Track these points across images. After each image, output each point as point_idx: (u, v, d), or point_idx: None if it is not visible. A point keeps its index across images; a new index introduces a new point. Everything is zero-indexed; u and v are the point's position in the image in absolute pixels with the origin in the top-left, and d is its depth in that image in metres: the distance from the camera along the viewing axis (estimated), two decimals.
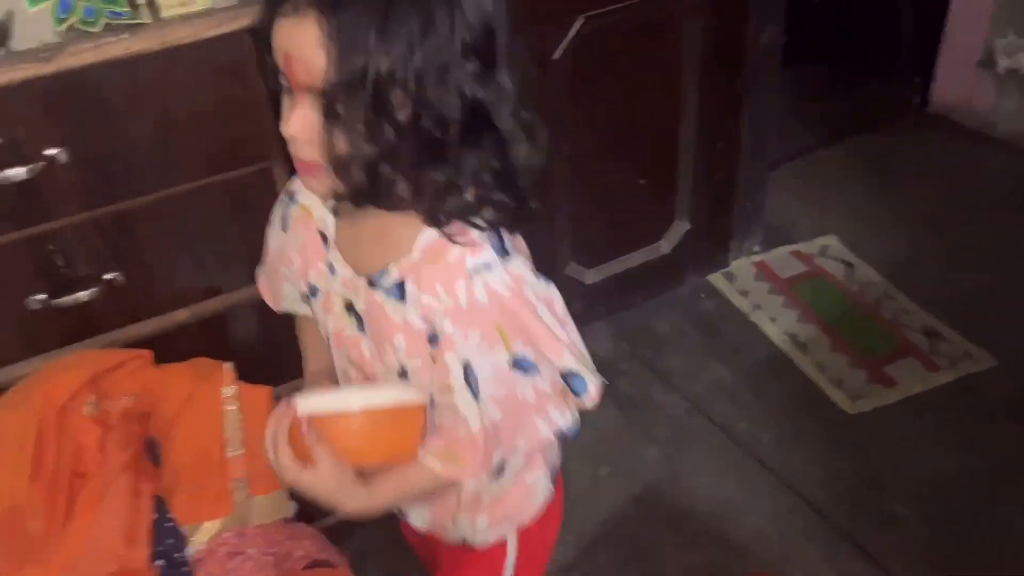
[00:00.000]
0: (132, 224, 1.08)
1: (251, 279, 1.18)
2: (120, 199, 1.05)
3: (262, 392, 1.13)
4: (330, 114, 0.70)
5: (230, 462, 1.10)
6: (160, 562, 1.03)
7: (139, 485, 1.03)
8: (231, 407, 1.11)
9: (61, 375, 1.06)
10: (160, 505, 1.05)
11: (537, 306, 0.80)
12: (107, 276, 1.08)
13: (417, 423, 0.83)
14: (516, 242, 0.84)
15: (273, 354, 1.23)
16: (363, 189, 0.74)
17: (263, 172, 1.15)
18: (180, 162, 1.07)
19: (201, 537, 1.08)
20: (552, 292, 0.83)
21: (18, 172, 0.96)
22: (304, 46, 0.68)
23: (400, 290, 0.81)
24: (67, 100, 0.97)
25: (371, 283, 0.82)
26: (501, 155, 0.76)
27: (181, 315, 1.16)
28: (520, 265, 0.81)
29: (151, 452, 1.07)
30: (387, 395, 0.83)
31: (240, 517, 1.12)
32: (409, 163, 0.74)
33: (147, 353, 1.11)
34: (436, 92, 0.71)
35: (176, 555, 1.05)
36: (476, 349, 0.79)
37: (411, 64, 0.69)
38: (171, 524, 1.06)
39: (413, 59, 0.69)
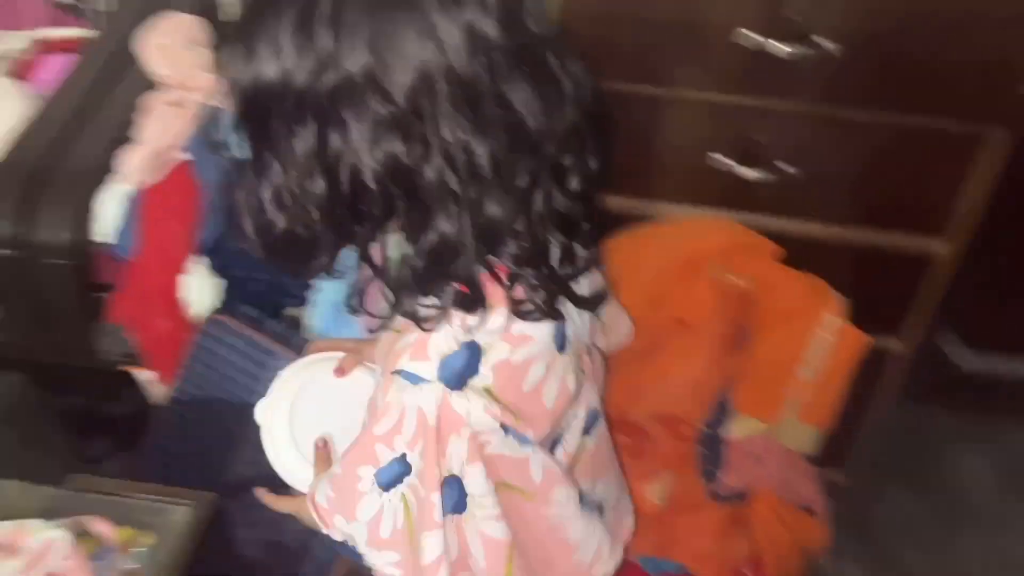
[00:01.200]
0: (841, 134, 1.10)
1: (913, 230, 1.14)
2: (846, 105, 1.07)
3: (859, 339, 1.13)
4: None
5: (797, 380, 1.13)
6: (706, 429, 1.12)
7: (722, 357, 1.11)
8: (825, 335, 1.12)
9: (710, 232, 1.16)
10: (726, 384, 1.13)
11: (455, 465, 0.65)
12: (785, 167, 1.13)
13: None
14: (512, 378, 0.66)
15: (892, 310, 1.21)
16: (249, 238, 0.64)
17: (975, 137, 1.08)
18: (938, 90, 1.04)
19: (739, 427, 1.15)
20: (526, 463, 0.68)
21: (783, 49, 1.02)
22: None
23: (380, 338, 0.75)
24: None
25: None
26: (434, 235, 0.60)
27: (817, 230, 1.18)
28: (473, 407, 0.64)
29: (740, 335, 1.14)
30: None
31: (775, 430, 1.16)
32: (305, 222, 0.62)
33: (778, 249, 1.16)
34: (325, 133, 0.58)
35: (718, 429, 1.13)
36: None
37: (291, 89, 0.57)
38: (725, 403, 1.13)
39: (293, 82, 0.57)
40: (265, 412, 0.89)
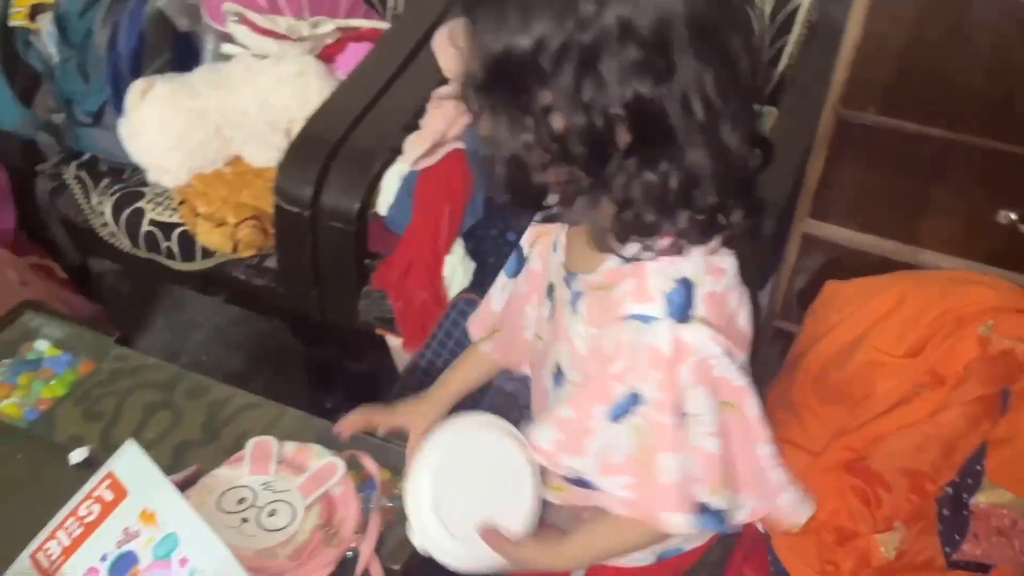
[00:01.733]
0: None
1: None
2: None
3: None
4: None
5: None
6: (950, 490, 1.07)
7: (980, 419, 1.06)
8: None
9: (981, 288, 1.11)
10: (981, 450, 1.08)
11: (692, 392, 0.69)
12: None
13: None
14: (719, 307, 0.71)
15: None
16: (504, 189, 0.69)
17: None
18: None
19: (988, 496, 1.08)
20: (745, 392, 0.71)
21: None
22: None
23: (576, 302, 0.77)
24: None
25: (566, 280, 0.79)
26: (677, 165, 0.65)
27: None
28: (700, 336, 0.69)
29: (1002, 400, 1.08)
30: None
31: None
32: (556, 167, 0.67)
33: None
34: (581, 82, 0.62)
35: (965, 494, 1.07)
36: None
37: (547, 49, 0.62)
38: (979, 468, 1.08)
39: (549, 43, 0.62)
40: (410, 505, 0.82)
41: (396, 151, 1.40)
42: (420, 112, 1.43)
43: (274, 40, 1.52)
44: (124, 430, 1.00)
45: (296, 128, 1.47)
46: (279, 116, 1.50)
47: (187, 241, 1.52)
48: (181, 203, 1.52)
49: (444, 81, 1.44)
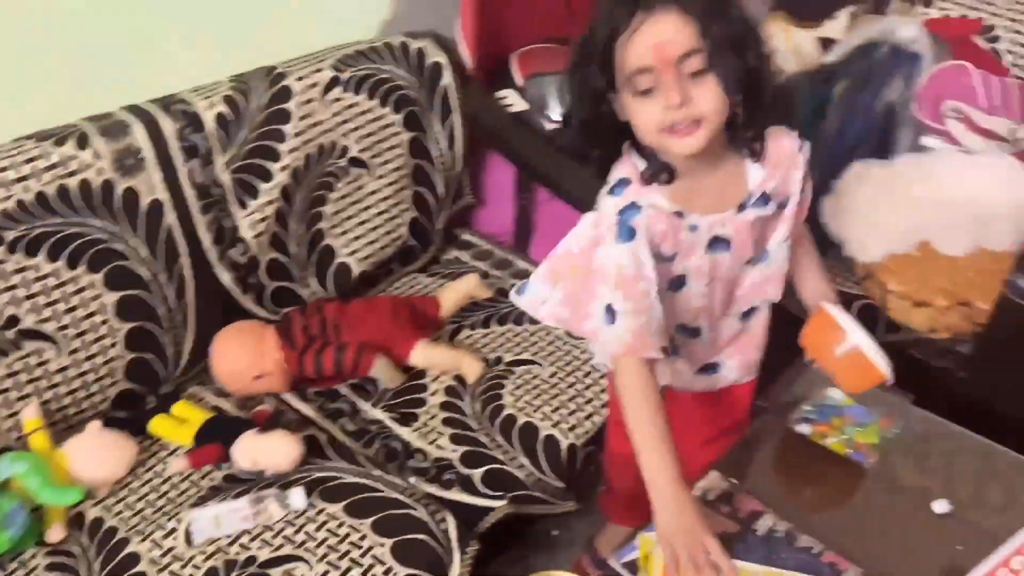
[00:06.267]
0: None
1: None
2: None
3: None
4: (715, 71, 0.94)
5: None
6: None
7: None
8: None
9: None
10: None
11: None
12: None
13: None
14: None
15: None
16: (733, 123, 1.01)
17: None
18: None
19: None
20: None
21: None
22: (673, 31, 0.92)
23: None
24: None
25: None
26: None
27: None
28: None
29: None
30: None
31: None
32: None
33: None
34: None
35: None
36: None
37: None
38: None
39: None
40: None
41: None
42: None
43: (983, 139, 1.61)
44: None
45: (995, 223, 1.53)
46: (981, 210, 1.58)
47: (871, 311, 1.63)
48: (865, 278, 1.65)
49: None
